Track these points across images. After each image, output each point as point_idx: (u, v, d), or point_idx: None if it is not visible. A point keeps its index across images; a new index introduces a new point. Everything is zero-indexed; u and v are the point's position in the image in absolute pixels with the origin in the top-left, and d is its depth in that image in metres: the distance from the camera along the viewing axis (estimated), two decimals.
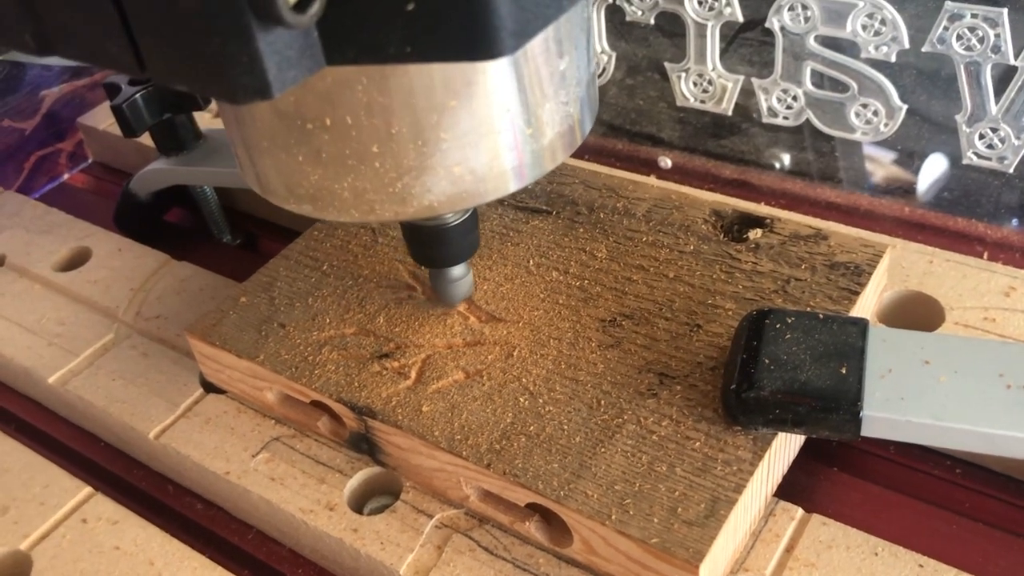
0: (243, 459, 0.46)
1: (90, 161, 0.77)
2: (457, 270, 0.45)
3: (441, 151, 0.34)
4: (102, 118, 0.74)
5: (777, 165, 0.58)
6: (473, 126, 0.34)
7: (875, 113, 0.52)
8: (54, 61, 0.73)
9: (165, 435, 0.48)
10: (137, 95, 0.56)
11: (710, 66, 0.56)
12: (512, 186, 0.37)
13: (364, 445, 0.44)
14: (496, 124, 0.35)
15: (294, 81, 0.26)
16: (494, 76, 0.34)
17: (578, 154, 0.63)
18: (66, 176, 0.75)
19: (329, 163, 0.35)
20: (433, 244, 0.43)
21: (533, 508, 0.40)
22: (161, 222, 0.66)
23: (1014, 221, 0.52)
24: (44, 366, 0.53)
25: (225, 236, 0.64)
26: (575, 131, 0.38)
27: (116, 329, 0.55)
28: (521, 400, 0.42)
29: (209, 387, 0.50)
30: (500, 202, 0.53)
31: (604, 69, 0.61)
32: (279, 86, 0.26)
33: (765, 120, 0.56)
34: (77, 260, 0.62)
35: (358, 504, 0.44)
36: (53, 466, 0.49)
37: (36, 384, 0.54)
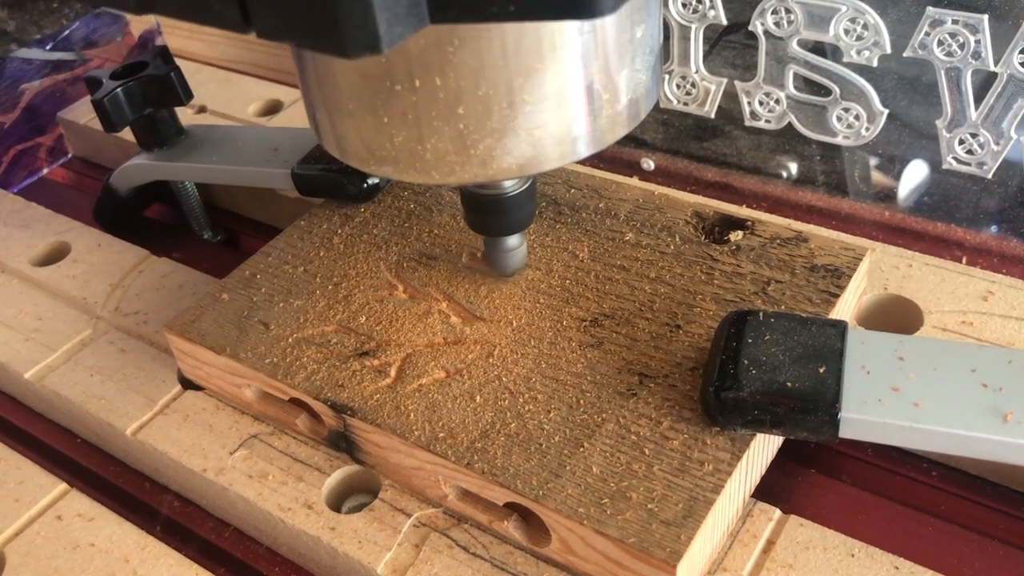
0: (221, 456, 0.46)
1: (70, 156, 0.76)
2: (513, 240, 0.46)
3: (524, 113, 0.35)
4: (83, 112, 0.74)
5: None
6: (555, 90, 0.35)
7: (857, 117, 0.52)
8: (34, 54, 0.73)
9: (142, 432, 0.48)
10: (118, 89, 0.55)
11: (693, 68, 0.56)
12: (586, 151, 0.38)
13: (343, 443, 0.44)
14: (576, 89, 0.36)
15: (401, 37, 0.27)
16: (578, 40, 0.35)
17: None
18: (45, 171, 0.75)
19: (414, 124, 0.35)
20: (493, 213, 0.44)
21: (511, 507, 0.40)
22: (141, 218, 0.66)
23: (992, 226, 0.52)
24: (21, 361, 0.53)
25: (206, 232, 0.64)
26: (646, 99, 0.39)
27: (94, 324, 0.55)
28: (501, 399, 0.42)
29: (187, 384, 0.50)
30: None
31: None
32: (388, 41, 0.26)
33: (748, 123, 0.56)
34: (56, 255, 0.61)
35: (336, 502, 0.44)
36: (28, 462, 0.48)
37: (12, 379, 0.54)
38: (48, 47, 0.73)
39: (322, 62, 0.36)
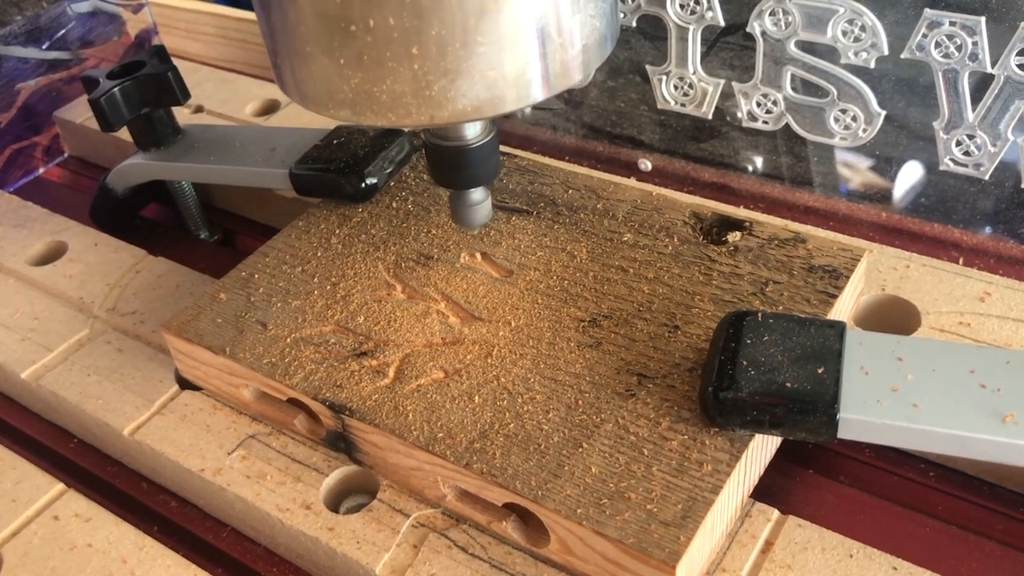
0: (218, 456, 0.46)
1: (66, 155, 0.76)
2: (477, 194, 0.46)
3: (477, 55, 0.36)
4: (79, 112, 0.74)
5: (750, 168, 0.58)
6: (508, 32, 0.36)
7: (854, 119, 0.52)
8: (31, 53, 0.72)
9: (140, 432, 0.47)
10: (115, 89, 0.55)
11: (691, 69, 0.56)
12: (540, 95, 0.38)
13: (341, 443, 0.44)
14: (529, 31, 0.36)
15: None
16: None
17: (558, 155, 0.64)
18: (42, 170, 0.75)
19: (370, 66, 0.36)
20: (456, 165, 0.45)
21: (510, 508, 0.40)
22: (138, 217, 0.66)
23: (989, 227, 0.52)
24: (17, 361, 0.53)
25: (202, 232, 0.64)
26: (599, 46, 0.40)
27: (91, 324, 0.55)
28: (500, 399, 0.42)
29: (185, 384, 0.50)
30: None
31: None
32: None
33: (745, 124, 0.56)
34: (52, 254, 0.61)
35: (334, 503, 0.44)
36: (25, 462, 0.48)
37: (9, 379, 0.54)
38: (44, 46, 0.73)
39: (282, 5, 0.37)
